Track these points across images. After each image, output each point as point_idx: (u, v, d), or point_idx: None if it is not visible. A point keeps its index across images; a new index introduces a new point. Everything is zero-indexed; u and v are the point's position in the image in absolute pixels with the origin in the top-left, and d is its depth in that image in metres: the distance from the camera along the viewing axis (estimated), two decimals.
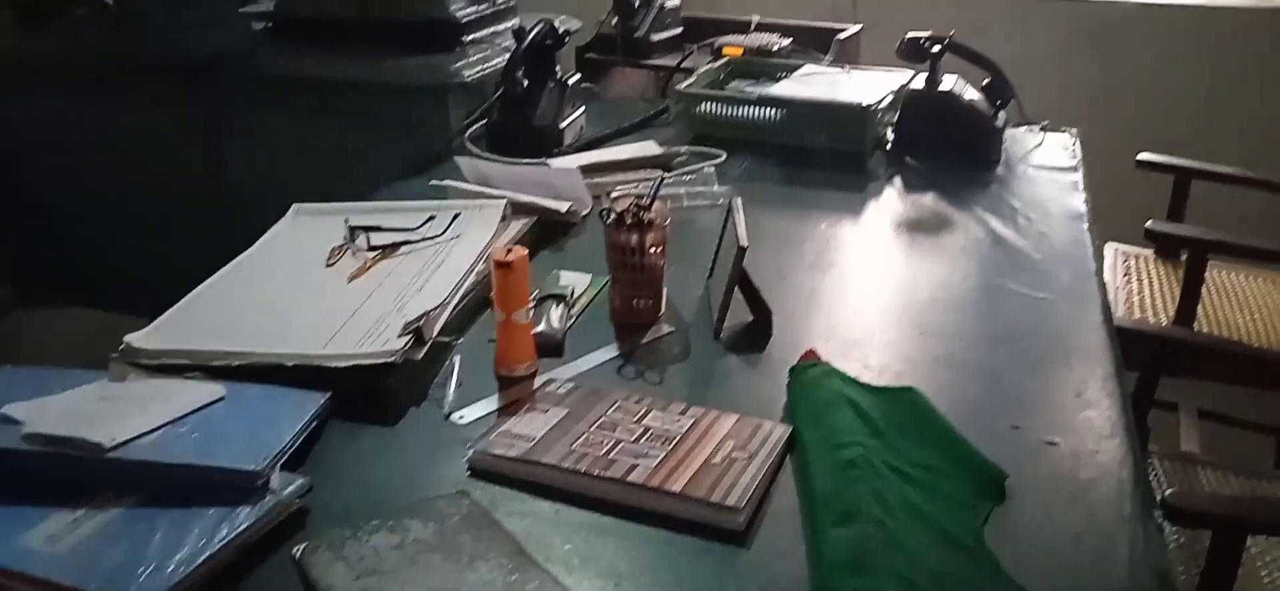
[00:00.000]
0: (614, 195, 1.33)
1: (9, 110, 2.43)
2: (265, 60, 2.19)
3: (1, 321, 1.94)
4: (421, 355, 1.10)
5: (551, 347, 1.17)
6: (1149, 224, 1.98)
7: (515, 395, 1.07)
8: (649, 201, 1.23)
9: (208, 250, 1.35)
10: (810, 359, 1.11)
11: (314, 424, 0.98)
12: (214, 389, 0.99)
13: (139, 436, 0.89)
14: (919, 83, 1.87)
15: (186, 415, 0.94)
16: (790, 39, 2.46)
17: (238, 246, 1.38)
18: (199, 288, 1.25)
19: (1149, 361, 1.68)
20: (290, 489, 0.88)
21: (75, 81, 2.33)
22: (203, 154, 2.29)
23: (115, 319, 1.18)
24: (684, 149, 1.79)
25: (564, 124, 1.88)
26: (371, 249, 1.35)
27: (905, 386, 1.07)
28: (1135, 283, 2.15)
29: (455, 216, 1.42)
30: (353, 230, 1.39)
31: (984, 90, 1.88)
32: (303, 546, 0.83)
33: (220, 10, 2.26)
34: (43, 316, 2.01)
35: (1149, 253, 2.25)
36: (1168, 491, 1.25)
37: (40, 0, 2.21)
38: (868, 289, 1.37)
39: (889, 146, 1.87)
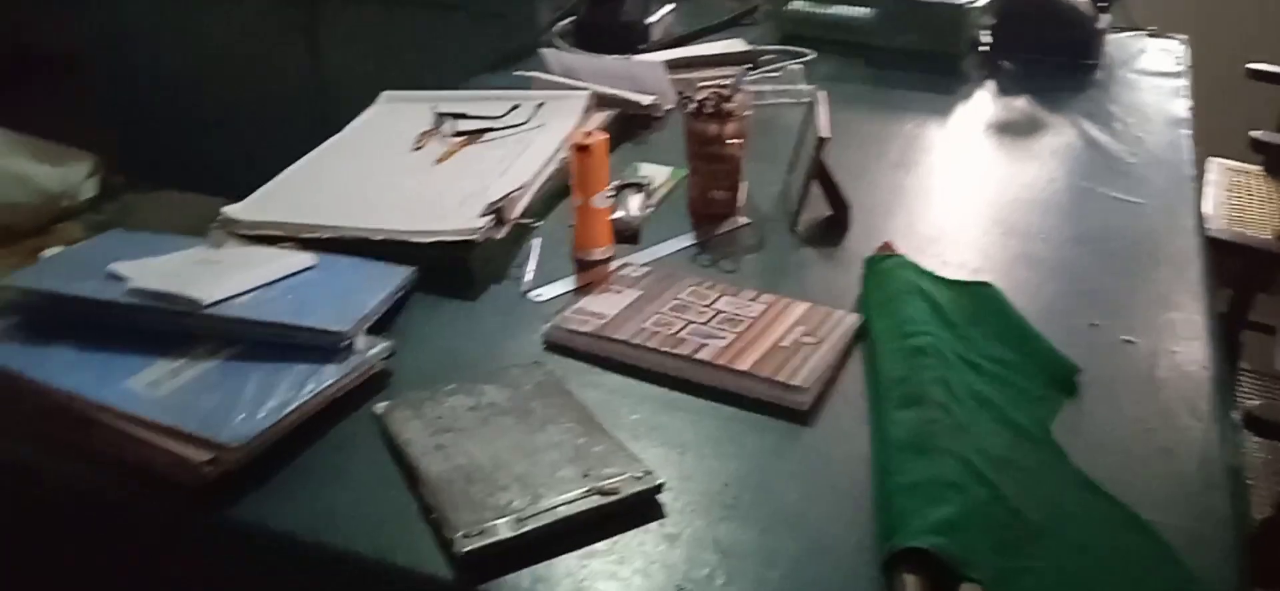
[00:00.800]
0: (695, 86, 1.33)
1: (122, 2, 2.52)
2: None
3: (112, 203, 2.04)
4: (503, 235, 1.13)
5: (628, 234, 1.19)
6: (1254, 133, 1.89)
7: (591, 277, 1.10)
8: (731, 92, 1.22)
9: (304, 136, 1.40)
10: (886, 251, 1.10)
11: (399, 295, 1.02)
12: (306, 258, 1.03)
13: (235, 296, 0.94)
14: None
15: (279, 280, 0.99)
16: None
17: (332, 133, 1.42)
18: (293, 165, 1.29)
19: (1246, 276, 1.62)
20: (374, 351, 0.92)
21: None
22: (301, 45, 2.35)
23: (217, 202, 1.23)
24: (772, 47, 1.77)
25: (651, 20, 1.87)
26: (458, 134, 1.38)
27: (981, 281, 1.06)
28: (1239, 198, 2.06)
29: (539, 106, 1.44)
30: (440, 116, 1.42)
31: None
32: (384, 404, 0.88)
33: None
34: (150, 199, 2.11)
35: (1257, 169, 2.16)
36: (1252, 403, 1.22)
37: None
38: (951, 188, 1.35)
39: (984, 48, 1.82)
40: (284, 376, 0.86)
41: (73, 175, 1.98)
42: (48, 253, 1.02)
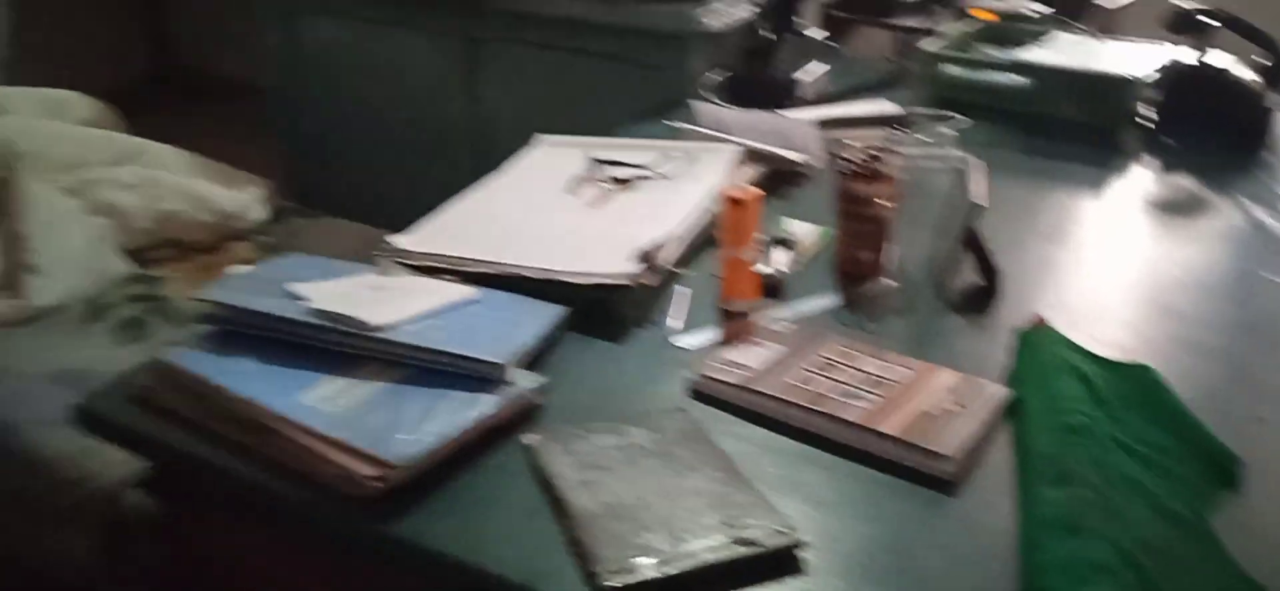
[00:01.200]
0: (848, 147, 1.34)
1: (298, 33, 2.69)
2: None
3: (279, 226, 2.16)
4: (652, 281, 1.16)
5: (773, 289, 1.21)
6: None
7: (736, 328, 1.12)
8: (883, 153, 1.23)
9: (459, 172, 1.47)
10: (1038, 324, 1.09)
11: (552, 332, 1.06)
12: (467, 290, 1.09)
13: (402, 322, 0.99)
14: (1184, 57, 1.76)
15: (443, 310, 1.04)
16: (1041, 5, 2.35)
17: (486, 170, 1.48)
18: (454, 200, 1.36)
19: None
20: (528, 385, 0.96)
21: (357, 8, 2.56)
22: (461, 85, 2.46)
23: (375, 232, 1.30)
24: (924, 110, 1.76)
25: (803, 78, 1.89)
26: (611, 181, 1.42)
27: (1138, 363, 1.04)
28: None
29: (690, 157, 1.47)
30: (594, 161, 1.46)
31: (1258, 68, 1.74)
32: (534, 436, 0.91)
33: None
34: (314, 224, 2.22)
35: None
36: None
37: None
38: (1105, 263, 1.32)
39: (1145, 123, 1.78)
40: (445, 402, 0.91)
41: (245, 197, 2.11)
42: (235, 270, 1.10)
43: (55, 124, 2.07)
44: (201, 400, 0.93)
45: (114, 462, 1.36)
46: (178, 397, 0.94)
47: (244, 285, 1.09)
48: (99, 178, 1.94)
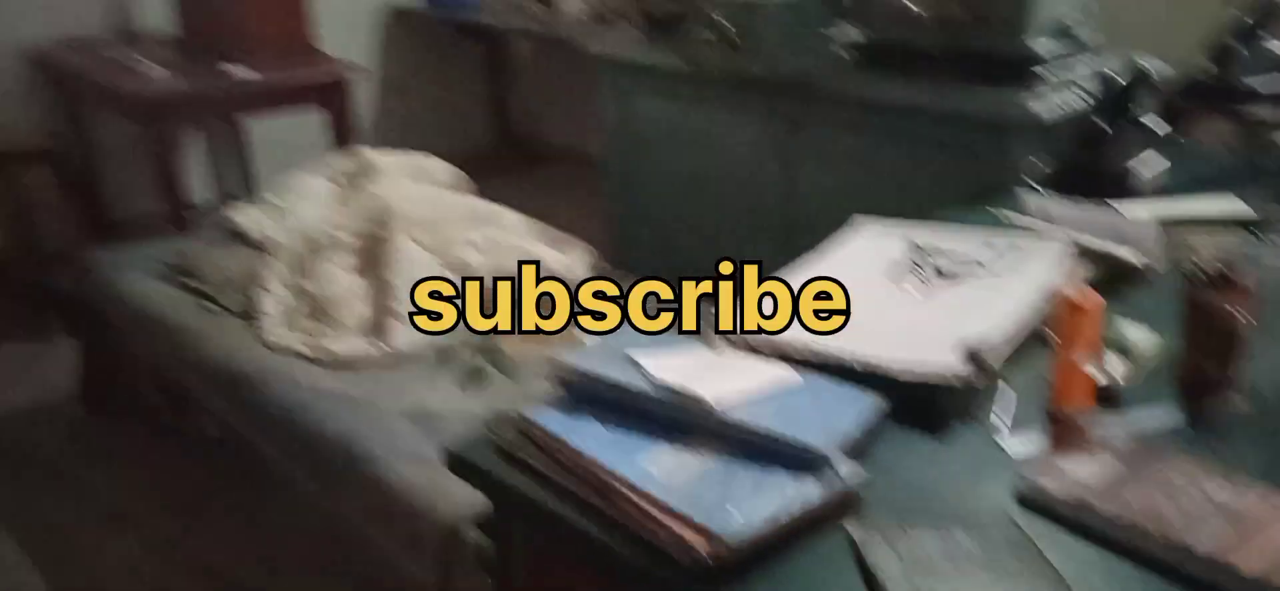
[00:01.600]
0: (1197, 251, 1.26)
1: (631, 109, 2.88)
2: (845, 83, 2.36)
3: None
4: (979, 380, 1.14)
5: (1108, 398, 1.15)
6: None
7: (1068, 435, 1.08)
8: (1237, 259, 1.15)
9: (775, 248, 1.51)
10: None
11: (873, 423, 1.08)
12: (792, 375, 1.13)
13: (732, 401, 1.04)
14: None
15: (769, 392, 1.09)
16: None
17: (801, 248, 1.52)
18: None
19: None
20: (850, 474, 0.98)
21: (686, 90, 2.71)
22: (777, 163, 2.53)
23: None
24: None
25: (1140, 170, 1.80)
26: (933, 269, 1.42)
27: None
28: None
29: (1018, 250, 1.44)
30: (914, 248, 1.47)
31: None
32: (857, 528, 0.93)
33: (814, 37, 2.48)
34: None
35: None
36: None
37: (671, 19, 2.60)
38: None
39: None
40: (772, 483, 0.95)
41: (572, 260, 2.28)
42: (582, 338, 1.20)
43: (422, 187, 2.34)
44: (552, 455, 1.02)
45: (454, 500, 1.51)
46: (531, 450, 1.04)
47: (593, 352, 1.18)
48: (454, 237, 2.18)
